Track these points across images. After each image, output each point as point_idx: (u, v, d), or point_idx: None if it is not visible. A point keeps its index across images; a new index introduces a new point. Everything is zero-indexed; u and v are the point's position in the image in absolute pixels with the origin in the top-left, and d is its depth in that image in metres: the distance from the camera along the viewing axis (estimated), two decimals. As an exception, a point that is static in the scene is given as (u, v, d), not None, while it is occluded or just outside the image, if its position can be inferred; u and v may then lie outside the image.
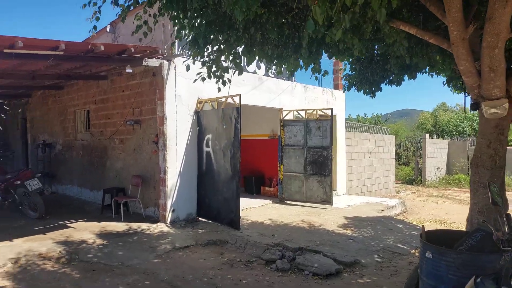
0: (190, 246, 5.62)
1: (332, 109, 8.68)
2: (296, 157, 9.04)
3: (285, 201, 9.05)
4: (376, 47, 4.11)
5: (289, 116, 9.18)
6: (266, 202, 8.98)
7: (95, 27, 4.08)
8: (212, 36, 3.49)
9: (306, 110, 9.03)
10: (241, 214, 7.02)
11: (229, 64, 3.94)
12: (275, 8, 3.31)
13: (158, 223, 6.60)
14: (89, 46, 5.12)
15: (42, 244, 5.37)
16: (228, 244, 5.72)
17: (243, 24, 3.16)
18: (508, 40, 3.60)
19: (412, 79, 4.33)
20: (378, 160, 13.28)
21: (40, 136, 10.88)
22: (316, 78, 4.58)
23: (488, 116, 3.07)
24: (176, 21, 3.41)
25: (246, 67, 7.55)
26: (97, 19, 3.85)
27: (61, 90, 9.65)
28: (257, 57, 3.84)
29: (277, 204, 8.83)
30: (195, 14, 3.25)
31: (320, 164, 8.73)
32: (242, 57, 3.78)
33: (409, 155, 20.21)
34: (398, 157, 19.54)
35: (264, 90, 8.64)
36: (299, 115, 9.17)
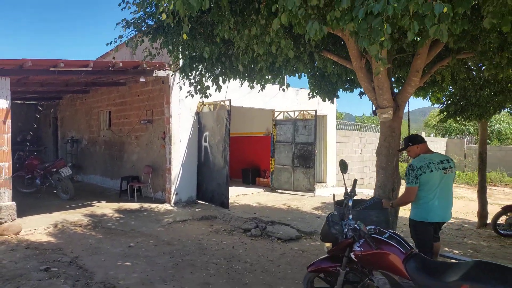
0: (188, 220, 7.11)
1: (316, 110, 10.01)
2: (285, 152, 10.41)
3: (276, 190, 10.44)
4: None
5: (281, 116, 10.56)
6: (259, 190, 10.40)
7: (117, 49, 5.59)
8: (194, 65, 4.94)
9: (294, 111, 10.38)
10: (234, 199, 8.47)
11: (210, 83, 5.37)
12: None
13: (164, 204, 8.13)
14: (110, 64, 6.66)
15: (73, 216, 6.97)
16: (217, 218, 7.19)
17: (215, 57, 4.58)
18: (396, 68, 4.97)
19: (351, 91, 5.68)
20: (370, 156, 14.47)
21: (69, 133, 12.66)
22: (284, 90, 5.99)
23: (381, 119, 4.37)
24: (169, 52, 4.88)
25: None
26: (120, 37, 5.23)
27: (87, 94, 11.33)
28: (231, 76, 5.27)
29: (268, 192, 10.24)
30: (181, 50, 4.71)
31: (306, 158, 10.08)
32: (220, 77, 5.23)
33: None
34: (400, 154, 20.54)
35: (260, 94, 10.01)
36: (288, 115, 10.53)
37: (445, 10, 2.16)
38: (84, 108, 11.79)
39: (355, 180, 3.47)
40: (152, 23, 4.95)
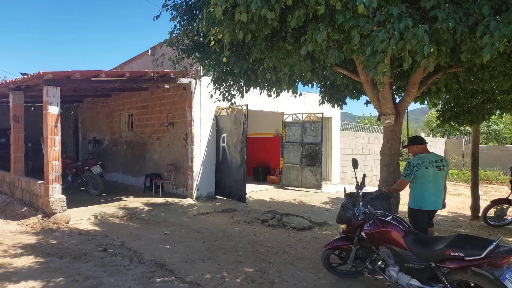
0: (210, 212, 7.95)
1: (322, 113, 10.84)
2: (294, 152, 11.25)
3: (285, 187, 11.28)
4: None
5: (289, 119, 11.40)
6: (270, 187, 11.23)
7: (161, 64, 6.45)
8: (224, 77, 5.78)
9: (302, 113, 11.22)
10: (248, 194, 9.28)
11: (235, 92, 6.22)
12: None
13: (187, 199, 8.97)
14: (144, 73, 7.50)
15: (109, 209, 7.81)
16: (237, 211, 8.03)
17: (243, 71, 5.42)
18: (396, 79, 5.79)
19: (356, 99, 6.54)
20: (372, 156, 15.30)
21: (90, 134, 13.50)
22: (295, 97, 6.82)
23: (385, 124, 5.20)
24: (204, 66, 5.73)
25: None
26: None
27: (108, 98, 12.17)
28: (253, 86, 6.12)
29: (278, 189, 11.07)
30: (213, 63, 5.56)
31: (313, 157, 10.92)
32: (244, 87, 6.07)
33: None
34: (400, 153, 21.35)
35: (270, 98, 10.85)
36: (297, 118, 11.36)
37: (431, 50, 2.98)
38: (105, 111, 12.63)
39: (364, 175, 4.31)
40: (188, 42, 5.77)
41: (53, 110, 6.75)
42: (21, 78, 7.70)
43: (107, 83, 7.54)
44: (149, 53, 10.31)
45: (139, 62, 10.91)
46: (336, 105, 7.24)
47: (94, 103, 13.21)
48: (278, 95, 6.55)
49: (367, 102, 6.19)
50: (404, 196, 5.39)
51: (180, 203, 8.59)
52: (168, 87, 8.94)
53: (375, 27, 3.10)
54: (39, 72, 6.65)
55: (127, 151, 11.68)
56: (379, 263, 3.87)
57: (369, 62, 3.24)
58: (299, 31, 4.12)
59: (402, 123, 5.42)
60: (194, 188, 9.00)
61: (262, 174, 12.29)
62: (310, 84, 6.17)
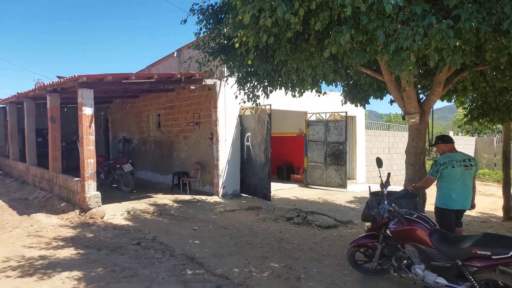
0: (236, 210, 8.16)
1: (346, 112, 10.82)
2: (318, 151, 11.29)
3: (309, 186, 11.34)
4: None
5: (313, 118, 11.45)
6: (294, 186, 11.34)
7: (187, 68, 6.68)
8: (249, 78, 5.95)
9: (326, 112, 11.24)
10: (273, 193, 9.43)
11: (260, 93, 6.38)
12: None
13: (213, 196, 9.23)
14: (171, 75, 7.79)
15: (140, 205, 8.17)
16: (262, 209, 8.20)
17: (267, 72, 5.57)
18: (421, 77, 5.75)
19: (380, 99, 6.53)
20: (398, 155, 15.09)
21: (119, 134, 14.05)
22: (319, 96, 6.90)
23: (409, 124, 5.21)
24: (229, 68, 5.93)
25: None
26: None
27: (136, 99, 12.63)
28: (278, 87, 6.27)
29: (302, 188, 11.16)
30: (238, 65, 5.74)
31: (337, 156, 10.93)
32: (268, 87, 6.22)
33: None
34: (429, 153, 20.87)
35: (293, 98, 10.96)
36: (320, 117, 11.39)
37: (457, 43, 3.01)
38: (134, 111, 13.12)
39: (389, 174, 4.36)
40: (213, 45, 5.98)
41: (87, 111, 7.16)
42: (58, 81, 8.18)
43: (137, 85, 7.89)
44: (175, 55, 10.64)
45: (165, 64, 11.28)
46: (359, 105, 7.27)
47: (123, 103, 13.74)
48: (301, 94, 6.66)
49: (391, 101, 6.19)
50: (431, 196, 5.38)
51: (207, 201, 8.85)
52: (194, 88, 9.21)
53: (399, 25, 3.16)
54: (74, 76, 7.06)
55: (155, 150, 12.09)
56: (405, 261, 3.92)
57: (394, 61, 3.30)
58: (322, 33, 4.22)
59: (427, 122, 5.41)
60: (220, 186, 9.25)
61: (286, 173, 12.41)
62: (333, 84, 6.24)
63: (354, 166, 13.07)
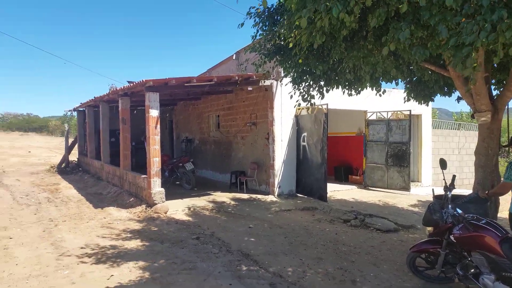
0: (291, 209, 8.17)
1: (410, 111, 10.24)
2: (378, 151, 10.83)
3: (369, 187, 10.93)
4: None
5: (373, 117, 11.00)
6: (352, 187, 11.01)
7: (244, 69, 6.87)
8: (304, 78, 5.93)
9: (387, 111, 10.73)
10: (329, 194, 9.26)
11: (315, 93, 6.31)
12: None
13: (269, 195, 9.34)
14: (230, 77, 8.06)
15: (200, 202, 8.56)
16: (318, 210, 8.11)
17: (322, 73, 5.50)
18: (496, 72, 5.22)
19: (448, 96, 6.06)
20: (469, 156, 13.87)
21: (182, 134, 14.85)
22: (380, 95, 6.63)
23: (480, 122, 4.76)
24: (284, 69, 5.96)
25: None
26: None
27: (198, 101, 13.24)
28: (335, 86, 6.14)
29: (361, 189, 10.79)
30: (293, 65, 5.74)
31: (400, 157, 10.38)
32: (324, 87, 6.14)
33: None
34: (507, 154, 18.85)
35: (352, 96, 10.66)
36: (381, 116, 10.91)
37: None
38: (195, 113, 13.77)
39: (454, 176, 4.06)
40: (269, 46, 6.07)
41: (154, 113, 7.70)
42: (128, 85, 8.91)
43: (198, 88, 8.29)
44: (233, 57, 10.96)
45: (224, 67, 11.67)
46: (423, 102, 6.84)
47: (186, 105, 14.49)
48: (358, 93, 6.47)
49: (458, 99, 5.74)
50: (507, 201, 4.89)
51: (263, 200, 8.98)
52: (251, 89, 9.41)
53: (463, 19, 2.94)
54: (142, 80, 7.65)
55: (214, 149, 12.57)
56: (472, 270, 3.63)
57: (455, 57, 3.08)
58: (380, 29, 4.07)
59: (501, 120, 4.92)
60: (275, 186, 9.33)
61: (344, 174, 12.09)
62: (395, 81, 5.96)
63: (419, 167, 12.30)
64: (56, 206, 8.45)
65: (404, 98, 6.90)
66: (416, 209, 8.19)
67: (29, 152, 22.25)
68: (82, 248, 5.40)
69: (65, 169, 15.22)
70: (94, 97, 12.02)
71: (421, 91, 6.45)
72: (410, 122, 10.29)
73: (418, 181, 12.18)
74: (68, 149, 16.16)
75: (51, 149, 25.05)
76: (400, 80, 5.96)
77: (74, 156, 17.05)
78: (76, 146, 16.72)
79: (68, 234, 6.18)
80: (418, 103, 6.81)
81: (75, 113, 17.17)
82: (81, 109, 15.85)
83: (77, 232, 6.27)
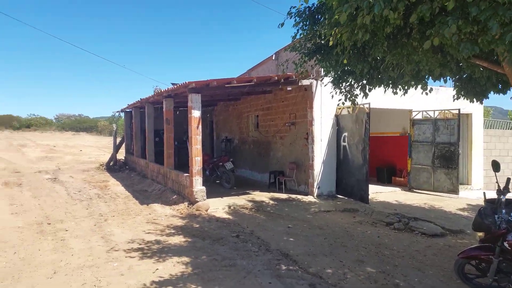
0: (331, 211, 8.05)
1: (459, 109, 9.69)
2: (424, 152, 10.36)
3: (413, 190, 10.48)
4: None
5: (419, 116, 10.54)
6: (396, 189, 10.62)
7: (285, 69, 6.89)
8: (345, 77, 5.82)
9: (434, 110, 10.23)
10: (371, 196, 9.03)
11: (358, 92, 6.18)
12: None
13: (308, 196, 9.27)
14: (269, 78, 8.11)
15: (239, 201, 8.70)
16: (359, 211, 7.92)
17: (364, 72, 5.37)
18: None
19: (502, 94, 5.63)
20: (527, 158, 12.85)
21: (222, 134, 15.14)
22: (426, 94, 6.36)
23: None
24: (324, 68, 5.89)
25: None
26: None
27: (238, 101, 13.44)
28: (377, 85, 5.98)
29: (405, 192, 10.38)
30: (334, 64, 5.65)
31: (448, 158, 9.86)
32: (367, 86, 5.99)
33: None
34: None
35: (396, 95, 10.29)
36: (427, 115, 10.43)
37: None
38: (235, 113, 13.98)
39: (508, 179, 3.80)
40: (310, 46, 6.03)
41: (196, 113, 7.94)
42: (172, 87, 9.25)
43: (238, 89, 8.42)
44: (273, 57, 11.00)
45: (264, 67, 11.74)
46: (475, 100, 6.45)
47: (226, 106, 14.76)
48: (405, 92, 6.24)
49: (516, 94, 5.34)
50: None
51: (302, 200, 8.94)
52: (290, 89, 9.39)
53: None
54: (185, 82, 7.92)
55: (253, 149, 12.69)
56: (529, 280, 3.39)
57: (511, 53, 2.89)
58: (426, 25, 3.91)
59: None
60: (315, 186, 9.24)
61: (386, 175, 11.70)
62: (442, 79, 5.67)
63: (469, 169, 11.60)
64: (105, 202, 8.98)
65: (453, 96, 6.54)
66: (465, 213, 7.75)
67: (81, 150, 23.79)
68: (129, 242, 5.71)
69: (113, 167, 16.10)
70: (140, 98, 12.61)
71: (472, 88, 6.07)
72: (459, 121, 9.74)
73: (467, 184, 11.50)
74: (116, 148, 17.07)
75: (100, 148, 26.60)
76: (448, 77, 5.66)
77: (121, 154, 17.99)
78: (123, 145, 17.62)
79: (117, 228, 6.55)
80: (469, 101, 6.43)
81: (122, 114, 18.11)
82: (128, 110, 16.68)
83: (124, 227, 6.63)
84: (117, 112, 18.32)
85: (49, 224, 6.84)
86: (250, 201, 8.72)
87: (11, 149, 22.79)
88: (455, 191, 9.72)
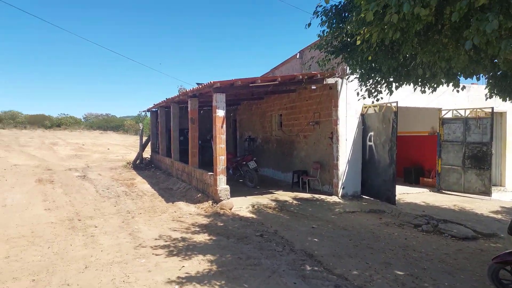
0: (356, 211, 7.92)
1: (492, 108, 9.29)
2: (454, 152, 10.00)
3: (443, 191, 10.15)
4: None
5: (448, 115, 10.19)
6: (424, 190, 10.32)
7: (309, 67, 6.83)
8: (372, 75, 5.70)
9: (465, 109, 9.86)
10: (398, 197, 8.82)
11: (383, 89, 6.04)
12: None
13: (332, 196, 9.16)
14: (293, 77, 8.06)
15: (263, 200, 8.70)
16: (385, 213, 7.75)
17: (392, 69, 5.24)
18: None
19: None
20: None
21: (246, 133, 15.20)
22: (458, 91, 6.14)
23: None
24: (351, 66, 5.79)
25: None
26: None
27: (261, 100, 13.45)
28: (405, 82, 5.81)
29: (434, 193, 10.06)
30: (360, 62, 5.54)
31: (479, 159, 9.48)
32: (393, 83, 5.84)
33: None
34: None
35: (424, 93, 9.98)
36: (458, 114, 10.06)
37: None
38: (258, 112, 14.00)
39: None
40: (336, 43, 5.95)
41: (220, 113, 8.01)
42: (197, 87, 9.37)
43: (262, 88, 8.43)
44: (297, 56, 10.93)
45: (288, 66, 11.68)
46: (508, 99, 6.17)
47: (249, 105, 14.81)
48: (434, 90, 6.04)
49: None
50: None
51: (326, 200, 8.84)
52: (314, 87, 9.30)
53: None
54: (210, 82, 8.00)
55: (276, 148, 12.67)
56: None
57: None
58: (458, 22, 3.76)
59: None
60: (339, 186, 9.11)
61: (414, 176, 11.38)
62: (475, 76, 5.45)
63: (503, 170, 11.11)
64: (132, 200, 9.22)
65: (486, 95, 6.29)
66: (498, 216, 7.42)
67: (108, 149, 24.52)
68: (156, 239, 5.83)
69: (139, 165, 16.51)
70: (166, 98, 12.85)
71: (506, 86, 5.82)
72: (492, 121, 9.34)
73: (501, 185, 11.02)
74: (142, 147, 17.49)
75: (126, 146, 27.33)
76: (481, 75, 5.43)
77: (147, 153, 18.41)
78: (149, 144, 18.03)
79: (144, 225, 6.71)
80: (503, 100, 6.16)
81: (148, 113, 18.53)
82: (154, 109, 17.04)
83: (151, 224, 6.78)
84: (143, 111, 18.78)
85: (80, 220, 7.09)
86: (273, 200, 8.71)
87: (43, 147, 23.80)
88: (487, 192, 9.34)
